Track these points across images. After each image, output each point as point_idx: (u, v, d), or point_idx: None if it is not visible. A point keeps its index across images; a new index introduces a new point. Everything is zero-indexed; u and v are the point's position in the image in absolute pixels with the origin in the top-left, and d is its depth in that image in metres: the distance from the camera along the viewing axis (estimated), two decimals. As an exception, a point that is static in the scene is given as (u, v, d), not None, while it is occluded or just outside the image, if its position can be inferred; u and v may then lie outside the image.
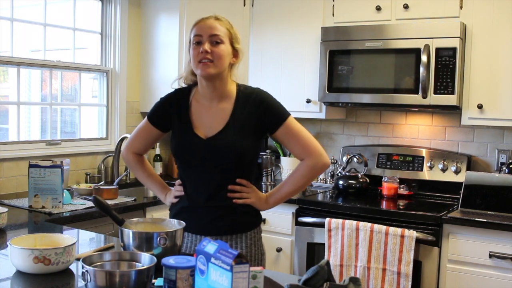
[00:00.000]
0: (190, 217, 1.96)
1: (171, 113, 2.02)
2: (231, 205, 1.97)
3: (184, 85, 2.08)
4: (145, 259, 1.49)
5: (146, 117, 2.10)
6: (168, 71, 3.69)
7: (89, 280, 1.36)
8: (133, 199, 3.05)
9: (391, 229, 2.81)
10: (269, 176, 3.74)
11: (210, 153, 1.93)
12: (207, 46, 1.89)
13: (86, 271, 1.37)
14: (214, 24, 1.92)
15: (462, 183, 3.13)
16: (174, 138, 2.02)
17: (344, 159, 3.64)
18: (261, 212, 2.09)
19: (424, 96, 3.09)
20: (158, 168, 3.90)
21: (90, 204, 2.78)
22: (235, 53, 1.98)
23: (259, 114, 1.95)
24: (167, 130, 2.08)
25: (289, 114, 1.99)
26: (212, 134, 1.95)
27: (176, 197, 2.06)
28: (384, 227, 2.83)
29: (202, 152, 1.94)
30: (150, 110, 2.10)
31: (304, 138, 1.98)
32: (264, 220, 3.26)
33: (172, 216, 2.06)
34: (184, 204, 2.03)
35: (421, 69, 3.06)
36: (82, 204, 2.80)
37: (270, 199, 2.06)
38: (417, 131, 3.61)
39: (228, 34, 1.94)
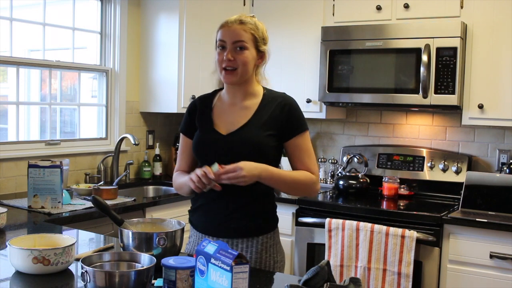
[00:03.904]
0: (204, 216, 1.95)
1: (195, 119, 2.02)
2: (245, 206, 1.91)
3: (209, 91, 2.08)
4: (145, 260, 1.48)
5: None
6: (168, 71, 3.68)
7: (88, 280, 1.36)
8: (132, 199, 3.04)
9: (392, 229, 2.81)
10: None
11: (229, 148, 1.90)
12: (230, 54, 1.89)
13: (86, 271, 1.36)
14: (238, 31, 1.91)
15: (462, 183, 3.12)
16: (195, 137, 1.99)
17: (345, 159, 3.63)
18: None
19: (425, 96, 3.08)
20: (158, 168, 3.89)
21: (90, 204, 2.77)
22: (261, 54, 1.99)
23: (281, 117, 1.92)
24: None
25: (307, 128, 1.98)
26: (233, 130, 1.93)
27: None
28: (384, 228, 2.82)
29: (221, 148, 1.91)
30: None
31: (313, 157, 1.96)
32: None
33: (190, 213, 2.03)
34: (201, 202, 1.99)
35: (422, 69, 3.06)
36: (82, 204, 2.79)
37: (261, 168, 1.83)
38: (417, 131, 3.60)
39: (252, 39, 1.94)
